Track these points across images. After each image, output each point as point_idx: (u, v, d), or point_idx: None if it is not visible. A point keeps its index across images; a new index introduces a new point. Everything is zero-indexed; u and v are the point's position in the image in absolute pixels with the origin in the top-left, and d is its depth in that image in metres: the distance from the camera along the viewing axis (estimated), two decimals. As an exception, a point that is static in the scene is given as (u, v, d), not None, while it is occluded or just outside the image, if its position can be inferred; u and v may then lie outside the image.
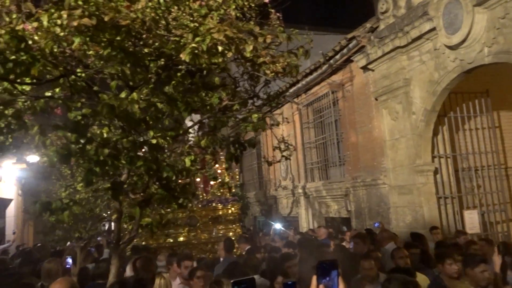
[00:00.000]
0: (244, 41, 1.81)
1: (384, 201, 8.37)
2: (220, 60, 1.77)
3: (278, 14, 2.08)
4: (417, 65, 7.21)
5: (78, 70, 1.68)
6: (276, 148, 2.50)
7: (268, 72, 2.08)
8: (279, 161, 2.32)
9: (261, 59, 1.99)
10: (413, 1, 7.29)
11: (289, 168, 12.58)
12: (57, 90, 1.81)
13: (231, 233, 8.33)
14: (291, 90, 11.45)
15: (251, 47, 1.84)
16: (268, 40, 1.99)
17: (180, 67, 1.96)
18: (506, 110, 8.33)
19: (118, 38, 1.56)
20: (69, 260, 4.70)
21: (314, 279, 1.33)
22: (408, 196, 7.41)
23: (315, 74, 10.14)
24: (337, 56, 9.15)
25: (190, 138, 2.46)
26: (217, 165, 8.51)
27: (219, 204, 8.69)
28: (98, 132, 1.81)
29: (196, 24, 1.74)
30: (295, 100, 11.63)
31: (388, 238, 5.44)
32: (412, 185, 7.31)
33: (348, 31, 8.86)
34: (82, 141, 1.57)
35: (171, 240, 8.02)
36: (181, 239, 8.21)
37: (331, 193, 10.18)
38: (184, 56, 1.64)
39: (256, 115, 2.19)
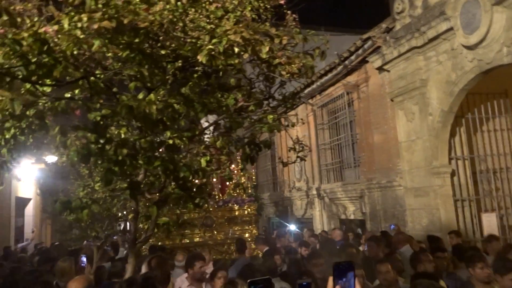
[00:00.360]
0: (260, 43, 1.82)
1: (399, 203, 8.28)
2: (236, 61, 1.78)
3: (294, 15, 2.08)
4: (434, 66, 7.11)
5: (97, 71, 1.71)
6: (291, 149, 2.49)
7: (283, 73, 2.08)
8: (294, 162, 2.32)
9: (277, 60, 1.99)
10: (430, 1, 7.20)
11: (303, 170, 12.55)
12: (76, 91, 1.85)
13: (247, 234, 8.31)
14: (305, 91, 11.42)
15: (267, 48, 1.85)
16: (284, 41, 1.99)
17: (196, 68, 1.98)
18: (526, 111, 8.16)
19: (137, 40, 1.59)
20: (84, 259, 4.78)
21: (330, 280, 1.33)
22: (425, 199, 7.31)
23: (330, 75, 10.09)
24: (352, 57, 9.09)
25: (205, 139, 2.48)
26: (233, 166, 8.55)
27: (235, 205, 8.65)
28: (116, 132, 1.84)
29: (213, 26, 1.76)
30: (310, 101, 11.60)
31: (404, 240, 5.39)
32: (428, 187, 7.21)
33: (364, 31, 8.80)
34: (101, 141, 1.60)
35: (187, 241, 8.02)
36: (197, 239, 8.19)
37: (346, 194, 10.12)
38: (201, 58, 1.66)
39: (271, 116, 2.19)
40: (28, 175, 13.18)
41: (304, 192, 12.32)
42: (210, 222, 8.24)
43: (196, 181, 2.41)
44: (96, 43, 1.53)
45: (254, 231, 8.63)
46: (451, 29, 6.49)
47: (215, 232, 8.29)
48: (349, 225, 10.30)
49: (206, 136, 2.48)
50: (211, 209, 8.11)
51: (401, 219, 8.10)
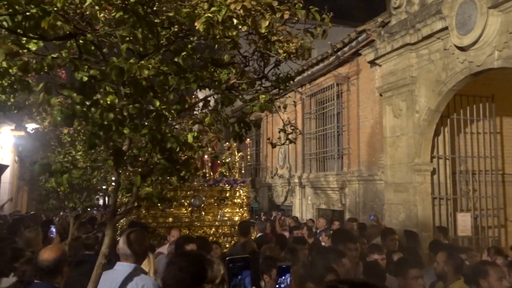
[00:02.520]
0: (262, 15, 1.76)
1: (379, 197, 8.39)
2: (234, 33, 1.72)
3: None
4: (425, 64, 7.15)
5: (88, 32, 1.63)
6: (281, 130, 2.46)
7: (280, 51, 2.04)
8: (283, 144, 2.29)
9: (275, 37, 1.94)
10: (427, -2, 7.19)
11: (287, 157, 12.58)
12: (63, 53, 1.77)
13: (237, 218, 7.80)
14: (296, 79, 11.38)
15: (267, 23, 1.80)
16: (286, 16, 1.94)
17: (191, 39, 1.92)
18: (510, 116, 8.31)
19: (132, 0, 1.52)
20: (53, 230, 4.71)
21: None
22: (404, 194, 7.42)
23: (321, 64, 10.07)
24: (346, 49, 9.06)
25: (195, 114, 2.43)
26: (227, 143, 8.33)
27: (227, 185, 8.04)
28: (105, 98, 1.77)
29: None
30: (299, 89, 11.56)
31: (377, 233, 5.47)
32: (408, 183, 7.32)
33: (361, 24, 8.76)
34: (87, 103, 1.54)
35: (171, 220, 7.51)
36: (183, 219, 7.61)
37: (327, 185, 10.20)
38: (198, 25, 1.60)
39: (263, 96, 2.15)
40: (7, 142, 12.88)
41: (286, 179, 12.38)
42: (198, 202, 7.63)
43: (186, 156, 2.36)
44: (88, 0, 1.46)
45: (246, 214, 8.11)
46: (445, 28, 6.51)
47: (203, 213, 7.70)
48: (327, 215, 10.41)
49: (195, 111, 2.44)
50: (200, 187, 7.62)
51: (379, 212, 8.22)
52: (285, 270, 1.70)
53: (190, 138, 2.01)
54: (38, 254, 2.62)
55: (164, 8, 1.77)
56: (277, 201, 13.05)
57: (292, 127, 2.46)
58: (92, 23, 1.64)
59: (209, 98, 2.31)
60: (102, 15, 1.59)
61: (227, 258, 1.36)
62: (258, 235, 6.80)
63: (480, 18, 5.89)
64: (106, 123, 1.58)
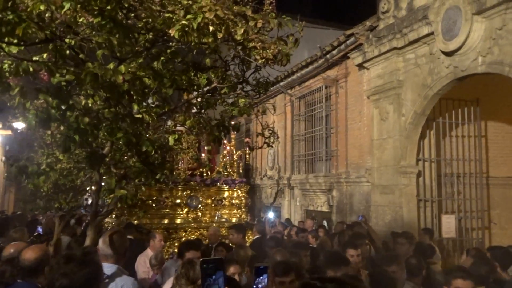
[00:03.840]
0: (235, 23, 1.81)
1: (366, 199, 8.48)
2: (210, 40, 1.76)
3: (271, 0, 2.07)
4: (412, 68, 7.25)
5: (67, 36, 1.65)
6: (260, 134, 2.50)
7: (258, 57, 2.08)
8: (261, 147, 2.32)
9: (252, 44, 1.99)
10: (415, 3, 7.29)
11: (276, 159, 12.64)
12: (44, 55, 1.79)
13: (234, 219, 7.57)
14: (285, 81, 11.45)
15: (242, 30, 1.84)
16: (259, 25, 1.98)
17: (170, 44, 1.95)
18: (494, 120, 8.47)
19: (109, 7, 1.54)
20: (39, 230, 4.70)
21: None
22: (390, 196, 7.52)
23: (310, 67, 10.14)
24: (334, 52, 9.14)
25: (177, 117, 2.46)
26: (225, 141, 8.19)
27: (225, 185, 7.75)
28: (84, 102, 1.79)
29: (190, 2, 1.73)
30: (289, 91, 11.63)
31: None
32: (394, 185, 7.41)
33: (350, 27, 8.84)
34: (63, 107, 1.56)
35: (166, 221, 7.28)
36: (178, 221, 7.36)
37: (315, 186, 10.27)
38: (173, 32, 1.63)
39: (243, 100, 2.19)
40: (-7, 141, 12.76)
41: (275, 180, 12.43)
42: (195, 202, 7.39)
43: (169, 159, 2.39)
44: (66, 6, 1.48)
45: (244, 216, 7.87)
46: (431, 33, 6.61)
47: (200, 214, 7.44)
48: (316, 217, 10.48)
49: (177, 115, 2.46)
50: (197, 187, 7.31)
51: (366, 214, 8.30)
52: (262, 271, 1.74)
53: (171, 141, 2.05)
54: (20, 254, 2.63)
55: (143, 15, 1.80)
56: (266, 202, 13.09)
57: (270, 131, 2.50)
58: (72, 27, 1.66)
59: (191, 101, 2.35)
60: (82, 19, 1.62)
61: (201, 260, 1.40)
62: (256, 236, 6.60)
63: (464, 24, 6.00)
64: (81, 126, 1.60)
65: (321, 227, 8.71)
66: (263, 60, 2.09)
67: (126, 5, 1.62)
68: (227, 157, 8.09)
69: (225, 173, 7.93)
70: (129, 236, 5.42)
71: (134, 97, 1.75)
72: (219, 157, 8.37)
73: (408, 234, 5.14)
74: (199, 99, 2.27)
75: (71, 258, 1.89)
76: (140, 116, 1.84)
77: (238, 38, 1.88)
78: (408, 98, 7.30)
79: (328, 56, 9.31)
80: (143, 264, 4.81)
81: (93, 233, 2.15)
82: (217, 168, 8.05)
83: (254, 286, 1.72)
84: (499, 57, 5.67)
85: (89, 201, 16.43)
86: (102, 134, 1.68)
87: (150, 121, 1.90)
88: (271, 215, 11.43)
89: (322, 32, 16.74)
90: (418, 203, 7.38)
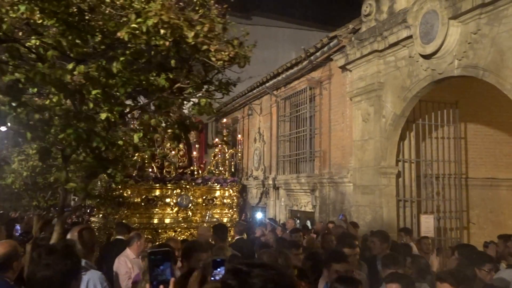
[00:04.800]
0: (180, 27, 1.88)
1: (348, 199, 8.60)
2: (161, 42, 1.83)
3: (219, 5, 2.14)
4: (392, 70, 7.38)
5: (22, 37, 1.71)
6: (218, 133, 2.58)
7: (213, 59, 2.15)
8: (216, 146, 2.37)
9: (205, 47, 2.06)
10: (395, 7, 7.44)
11: (262, 159, 12.72)
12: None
13: (225, 219, 7.34)
14: (271, 82, 11.55)
15: (192, 33, 1.91)
16: (205, 29, 2.06)
17: (129, 45, 2.02)
18: (474, 122, 8.65)
19: (61, 9, 1.60)
20: (18, 228, 4.70)
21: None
22: (370, 196, 7.64)
23: (295, 68, 10.24)
24: (318, 54, 9.26)
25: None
26: (216, 140, 8.04)
27: (216, 184, 7.52)
28: (40, 100, 1.85)
29: (143, 5, 1.79)
30: (275, 92, 11.72)
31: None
32: (375, 186, 7.53)
33: (334, 29, 8.95)
34: (14, 104, 1.62)
35: (155, 221, 7.06)
36: (168, 220, 7.12)
37: (300, 187, 10.37)
38: (121, 35, 1.70)
39: (204, 100, 2.27)
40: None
41: (260, 181, 12.51)
42: (186, 202, 7.14)
43: (136, 156, 2.45)
44: (22, 8, 1.54)
45: (235, 216, 7.65)
46: (410, 37, 6.75)
47: (190, 214, 7.19)
48: (300, 217, 10.59)
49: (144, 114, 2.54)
50: (188, 186, 7.11)
51: (347, 214, 8.42)
52: (219, 264, 1.82)
53: (136, 139, 2.11)
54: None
55: (96, 17, 1.87)
56: (251, 203, 13.17)
57: (228, 130, 2.57)
58: (31, 27, 1.72)
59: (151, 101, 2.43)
60: (41, 20, 1.68)
61: (149, 251, 1.47)
62: (236, 238, 6.40)
63: (441, 28, 6.14)
64: (32, 123, 1.66)
65: (304, 227, 8.84)
66: (221, 62, 2.17)
67: (75, 9, 1.68)
68: (219, 155, 7.88)
69: (217, 172, 7.73)
70: (120, 237, 5.43)
71: (91, 96, 1.81)
72: (210, 156, 8.14)
73: (383, 233, 5.23)
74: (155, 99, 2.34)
75: (52, 250, 1.95)
76: (104, 115, 1.91)
77: (190, 40, 1.96)
78: (388, 100, 7.44)
79: (312, 58, 9.42)
80: (124, 264, 4.78)
81: (60, 228, 2.20)
82: (209, 167, 7.87)
83: (212, 278, 1.79)
84: (474, 60, 5.83)
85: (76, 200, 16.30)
86: (53, 130, 1.74)
87: (112, 120, 1.97)
88: (259, 215, 11.53)
89: (309, 33, 16.91)
90: (398, 203, 7.52)
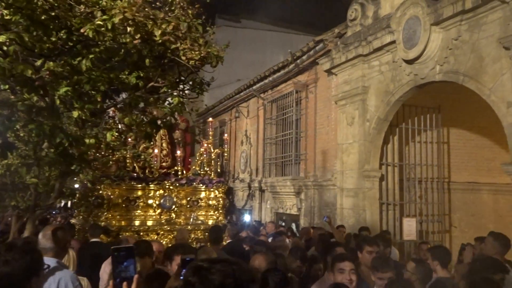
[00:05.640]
0: (145, 25, 1.90)
1: (332, 202, 8.65)
2: (128, 40, 1.84)
3: (191, 6, 2.16)
4: (376, 75, 7.47)
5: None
6: (184, 131, 2.59)
7: (183, 58, 2.16)
8: (197, 142, 2.39)
9: (173, 45, 2.08)
10: (380, 12, 7.54)
11: (248, 162, 12.73)
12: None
13: (211, 221, 7.07)
14: (258, 85, 11.58)
15: (159, 32, 1.93)
16: (170, 28, 2.07)
17: (99, 43, 2.03)
18: (456, 127, 8.78)
19: (24, 4, 1.60)
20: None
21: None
22: (354, 199, 7.70)
23: (282, 71, 10.30)
24: (304, 57, 9.32)
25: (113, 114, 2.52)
26: (204, 141, 7.79)
27: (201, 185, 7.25)
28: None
29: (111, 3, 1.80)
30: (262, 95, 11.76)
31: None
32: (358, 189, 7.60)
33: (321, 33, 9.02)
34: (-28, 99, 1.62)
35: (137, 223, 6.76)
36: (150, 223, 6.81)
37: (285, 189, 10.40)
38: (84, 31, 1.71)
39: (176, 99, 2.27)
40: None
41: (246, 184, 12.51)
42: (169, 203, 6.86)
43: (108, 155, 2.45)
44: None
45: (221, 218, 7.38)
46: (394, 42, 6.84)
47: (174, 216, 6.93)
48: (285, 219, 10.61)
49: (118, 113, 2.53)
50: (171, 187, 6.88)
51: (332, 217, 8.45)
52: (189, 263, 1.82)
53: (109, 137, 2.11)
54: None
55: (62, 13, 1.87)
56: (237, 205, 13.15)
57: (200, 130, 2.59)
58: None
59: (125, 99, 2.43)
60: (8, 17, 1.68)
61: (112, 248, 1.47)
62: (228, 241, 6.13)
63: (423, 34, 6.25)
64: None
65: (289, 230, 8.86)
66: (193, 61, 2.18)
67: (41, 4, 1.68)
68: (204, 155, 7.62)
69: (202, 172, 7.47)
70: (95, 239, 5.32)
71: (60, 93, 1.81)
72: (197, 156, 7.91)
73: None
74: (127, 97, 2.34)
75: (12, 246, 1.93)
76: (76, 112, 1.90)
77: (157, 38, 1.97)
78: (372, 104, 7.52)
79: (298, 61, 9.48)
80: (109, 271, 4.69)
81: (31, 227, 2.19)
82: (194, 167, 7.60)
83: (182, 277, 1.80)
84: (455, 66, 5.94)
85: (63, 203, 16.01)
86: (17, 126, 1.73)
87: (83, 117, 1.96)
88: (247, 218, 11.53)
89: (297, 37, 17.02)
90: (381, 206, 7.59)
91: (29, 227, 2.19)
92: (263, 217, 11.50)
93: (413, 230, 7.56)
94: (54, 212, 14.25)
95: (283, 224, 10.10)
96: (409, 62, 6.61)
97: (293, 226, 9.94)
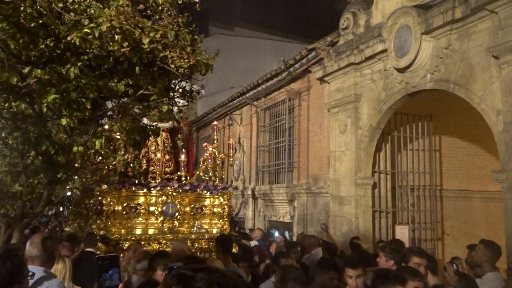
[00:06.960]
0: (132, 33, 1.90)
1: (325, 210, 8.65)
2: (116, 47, 1.84)
3: (181, 14, 2.17)
4: (368, 83, 7.53)
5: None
6: (170, 130, 2.58)
7: (172, 66, 2.17)
8: (180, 140, 2.38)
9: (162, 53, 2.08)
10: (372, 21, 7.61)
11: (241, 169, 12.71)
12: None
13: (215, 230, 6.77)
14: (251, 93, 11.61)
15: (147, 40, 1.93)
16: (157, 36, 2.07)
17: (88, 50, 2.02)
18: (448, 135, 8.86)
19: (10, 12, 1.60)
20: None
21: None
22: (347, 207, 7.71)
23: (275, 79, 10.34)
24: (297, 65, 9.37)
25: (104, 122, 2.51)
26: (206, 145, 7.49)
27: (206, 192, 6.91)
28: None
29: (99, 11, 1.81)
30: (255, 103, 11.78)
31: (315, 244, 5.66)
32: (351, 196, 7.61)
33: (313, 41, 9.08)
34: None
35: (138, 232, 6.43)
36: (152, 231, 6.49)
37: (278, 197, 10.39)
38: (71, 38, 1.71)
39: (165, 107, 2.27)
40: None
41: (240, 191, 12.48)
42: (172, 210, 6.52)
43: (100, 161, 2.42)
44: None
45: (226, 226, 7.01)
46: (385, 50, 6.91)
47: (177, 224, 6.58)
48: (278, 227, 10.58)
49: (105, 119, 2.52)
50: (174, 193, 6.56)
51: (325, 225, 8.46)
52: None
53: (97, 144, 2.10)
54: None
55: (49, 21, 1.87)
56: (231, 213, 13.09)
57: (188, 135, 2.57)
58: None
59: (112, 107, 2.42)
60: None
61: (96, 257, 1.45)
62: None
63: (414, 42, 6.31)
64: None
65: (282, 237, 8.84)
66: (182, 69, 2.19)
67: (29, 11, 1.68)
68: (209, 160, 7.26)
69: (206, 178, 7.14)
70: (90, 249, 5.21)
71: (48, 100, 1.80)
72: (200, 161, 7.40)
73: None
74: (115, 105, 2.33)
75: None
76: (65, 120, 1.89)
77: (145, 46, 1.97)
78: (364, 112, 7.57)
79: (291, 69, 9.53)
80: None
81: (18, 235, 2.16)
82: (197, 172, 7.27)
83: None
84: (445, 74, 6.00)
85: (54, 211, 15.82)
86: (3, 134, 1.72)
87: (71, 124, 1.95)
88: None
89: (290, 45, 17.13)
90: (374, 214, 7.60)
91: (16, 235, 2.16)
92: (256, 225, 11.45)
93: (405, 237, 7.56)
94: (42, 221, 14.08)
95: (276, 233, 10.05)
96: (401, 70, 6.67)
97: (286, 233, 9.91)
